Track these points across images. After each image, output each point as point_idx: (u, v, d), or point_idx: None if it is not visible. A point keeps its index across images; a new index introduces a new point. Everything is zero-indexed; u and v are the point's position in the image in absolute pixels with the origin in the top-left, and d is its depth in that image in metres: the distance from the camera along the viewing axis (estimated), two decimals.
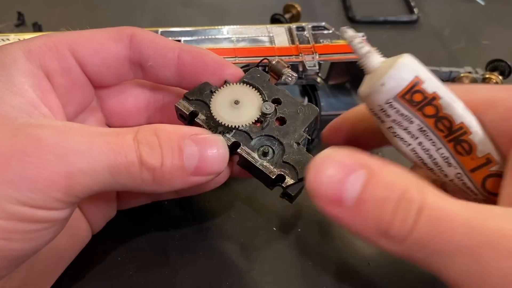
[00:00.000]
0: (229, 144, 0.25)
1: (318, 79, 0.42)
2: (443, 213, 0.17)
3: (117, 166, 0.20)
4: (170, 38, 0.35)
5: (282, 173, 0.24)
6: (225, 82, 0.26)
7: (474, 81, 0.43)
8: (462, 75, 0.43)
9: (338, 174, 0.19)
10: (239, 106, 0.25)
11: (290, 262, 0.29)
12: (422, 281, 0.28)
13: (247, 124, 0.25)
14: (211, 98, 0.25)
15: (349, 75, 0.43)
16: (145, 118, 0.29)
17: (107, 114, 0.28)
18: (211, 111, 0.25)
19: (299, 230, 0.30)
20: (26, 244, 0.20)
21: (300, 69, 0.36)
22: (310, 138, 0.27)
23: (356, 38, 0.22)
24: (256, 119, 0.25)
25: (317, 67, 0.34)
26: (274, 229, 0.30)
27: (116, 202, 0.28)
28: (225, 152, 0.24)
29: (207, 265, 0.28)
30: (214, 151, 0.23)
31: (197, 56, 0.26)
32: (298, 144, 0.25)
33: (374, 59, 0.22)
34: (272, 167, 0.25)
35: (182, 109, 0.25)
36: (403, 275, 0.28)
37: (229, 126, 0.24)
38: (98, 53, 0.25)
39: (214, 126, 0.25)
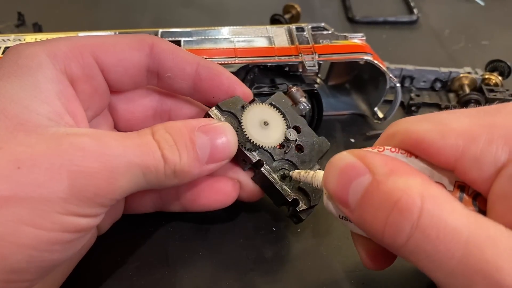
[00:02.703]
0: (254, 162, 0.27)
1: (318, 79, 0.42)
2: (441, 231, 0.17)
3: (148, 166, 0.22)
4: (170, 39, 0.35)
5: (297, 197, 0.27)
6: (254, 100, 0.28)
7: (473, 81, 0.43)
8: (461, 75, 0.43)
9: (344, 177, 0.20)
10: (267, 127, 0.27)
11: (290, 262, 0.29)
12: (421, 280, 0.28)
13: (273, 146, 0.27)
14: (243, 114, 0.27)
15: (348, 75, 0.43)
16: (151, 126, 0.29)
17: (116, 119, 0.29)
18: (242, 128, 0.26)
19: (298, 230, 0.30)
20: (63, 254, 0.21)
21: (300, 69, 0.36)
22: (321, 169, 0.28)
23: (301, 173, 0.25)
24: (280, 142, 0.27)
25: (316, 67, 0.34)
26: (274, 229, 0.30)
27: (123, 205, 0.28)
28: (234, 137, 0.25)
29: (207, 265, 0.28)
30: (223, 138, 0.25)
31: (214, 74, 0.27)
32: None
33: (320, 176, 0.24)
34: (289, 191, 0.27)
35: (214, 117, 0.26)
36: (403, 273, 0.28)
37: (258, 144, 0.26)
38: (121, 62, 0.25)
39: (243, 141, 0.26)
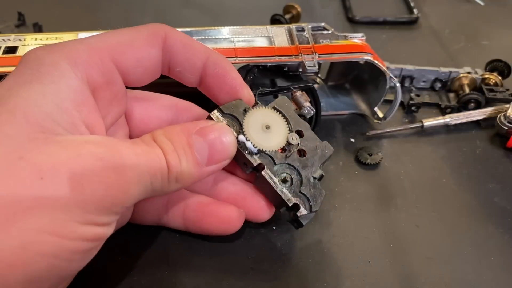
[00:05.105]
0: (255, 165, 0.27)
1: (318, 79, 0.42)
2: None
3: (155, 174, 0.22)
4: None
5: (298, 202, 0.27)
6: (256, 104, 0.28)
7: (473, 81, 0.43)
8: (461, 75, 0.43)
9: None
10: (269, 131, 0.27)
11: (290, 260, 0.29)
12: (421, 277, 0.28)
13: (274, 150, 0.27)
14: (244, 117, 0.27)
15: (348, 75, 0.43)
16: None
17: (130, 129, 0.29)
18: (244, 131, 0.26)
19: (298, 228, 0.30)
20: (81, 263, 0.21)
21: (300, 69, 0.36)
22: (323, 174, 0.28)
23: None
24: (282, 146, 0.27)
25: (316, 67, 0.34)
26: (274, 228, 0.30)
27: (131, 213, 0.29)
28: (232, 137, 0.25)
29: (207, 265, 0.28)
30: (221, 138, 0.25)
31: (220, 73, 0.27)
32: (315, 178, 0.28)
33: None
34: (290, 195, 0.27)
35: (215, 120, 0.26)
36: (403, 271, 0.28)
37: (259, 148, 0.26)
38: (140, 61, 0.25)
39: (244, 145, 0.26)
